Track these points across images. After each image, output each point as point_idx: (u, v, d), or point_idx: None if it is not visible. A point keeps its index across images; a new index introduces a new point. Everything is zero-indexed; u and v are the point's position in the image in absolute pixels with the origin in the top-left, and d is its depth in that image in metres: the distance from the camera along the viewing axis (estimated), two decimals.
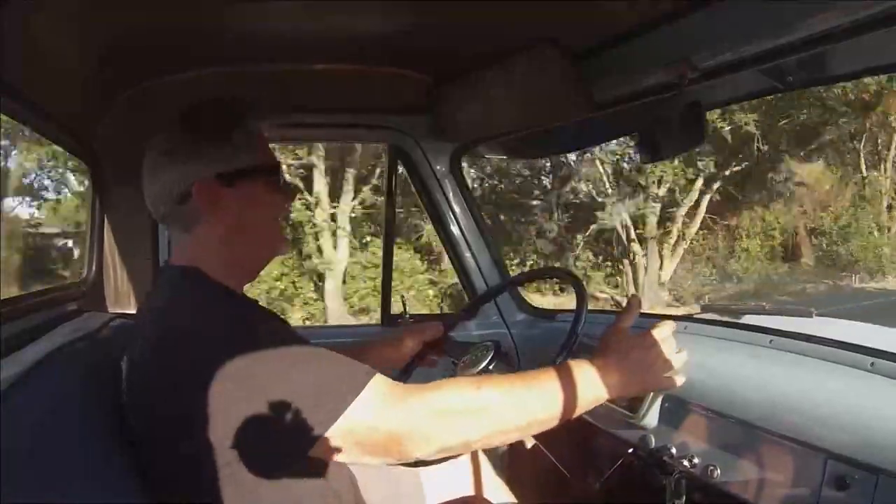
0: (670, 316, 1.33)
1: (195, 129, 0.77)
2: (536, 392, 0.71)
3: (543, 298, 8.17)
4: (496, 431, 0.69)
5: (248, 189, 0.77)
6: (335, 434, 0.62)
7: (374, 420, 0.63)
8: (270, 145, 0.83)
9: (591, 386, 0.74)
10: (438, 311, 6.74)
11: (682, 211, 9.15)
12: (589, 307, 0.95)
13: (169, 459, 0.67)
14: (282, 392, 0.62)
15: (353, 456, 0.64)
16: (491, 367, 0.99)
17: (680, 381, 0.84)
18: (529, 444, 1.41)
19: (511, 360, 1.04)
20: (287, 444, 0.63)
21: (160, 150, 0.76)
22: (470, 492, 1.10)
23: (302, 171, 7.42)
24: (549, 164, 9.06)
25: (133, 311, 1.15)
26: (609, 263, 9.39)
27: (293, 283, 7.52)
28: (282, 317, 0.84)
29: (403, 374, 1.07)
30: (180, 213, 0.76)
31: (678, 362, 0.82)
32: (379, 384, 0.65)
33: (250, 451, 0.63)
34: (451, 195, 1.51)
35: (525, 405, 0.70)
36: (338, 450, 0.63)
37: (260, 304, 0.82)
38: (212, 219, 0.76)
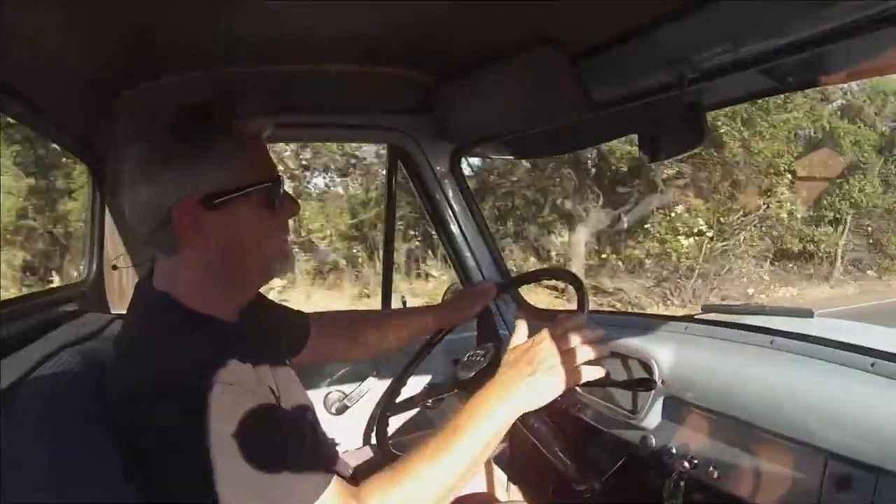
0: (671, 317, 1.33)
1: (172, 139, 0.68)
2: (461, 445, 0.69)
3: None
4: (440, 499, 0.68)
5: (238, 210, 0.69)
6: None
7: None
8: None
9: (505, 411, 0.73)
10: None
11: None
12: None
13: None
14: (231, 462, 0.58)
15: None
16: (491, 370, 0.99)
17: (596, 372, 0.79)
18: (529, 444, 1.41)
19: None
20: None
21: (134, 164, 0.68)
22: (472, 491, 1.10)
23: None
24: None
25: None
26: None
27: None
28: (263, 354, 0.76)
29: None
30: (161, 238, 0.68)
31: (583, 355, 0.77)
32: (334, 493, 0.62)
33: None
34: (451, 195, 1.51)
35: (455, 462, 0.68)
36: None
37: (244, 332, 0.75)
38: (194, 247, 0.68)
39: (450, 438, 0.69)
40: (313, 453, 0.65)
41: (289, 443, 0.63)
